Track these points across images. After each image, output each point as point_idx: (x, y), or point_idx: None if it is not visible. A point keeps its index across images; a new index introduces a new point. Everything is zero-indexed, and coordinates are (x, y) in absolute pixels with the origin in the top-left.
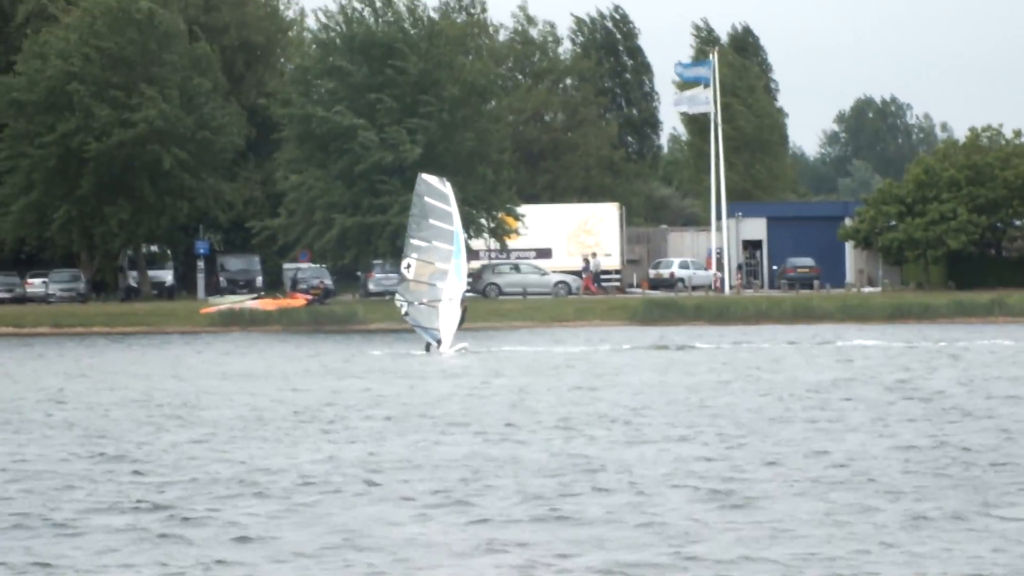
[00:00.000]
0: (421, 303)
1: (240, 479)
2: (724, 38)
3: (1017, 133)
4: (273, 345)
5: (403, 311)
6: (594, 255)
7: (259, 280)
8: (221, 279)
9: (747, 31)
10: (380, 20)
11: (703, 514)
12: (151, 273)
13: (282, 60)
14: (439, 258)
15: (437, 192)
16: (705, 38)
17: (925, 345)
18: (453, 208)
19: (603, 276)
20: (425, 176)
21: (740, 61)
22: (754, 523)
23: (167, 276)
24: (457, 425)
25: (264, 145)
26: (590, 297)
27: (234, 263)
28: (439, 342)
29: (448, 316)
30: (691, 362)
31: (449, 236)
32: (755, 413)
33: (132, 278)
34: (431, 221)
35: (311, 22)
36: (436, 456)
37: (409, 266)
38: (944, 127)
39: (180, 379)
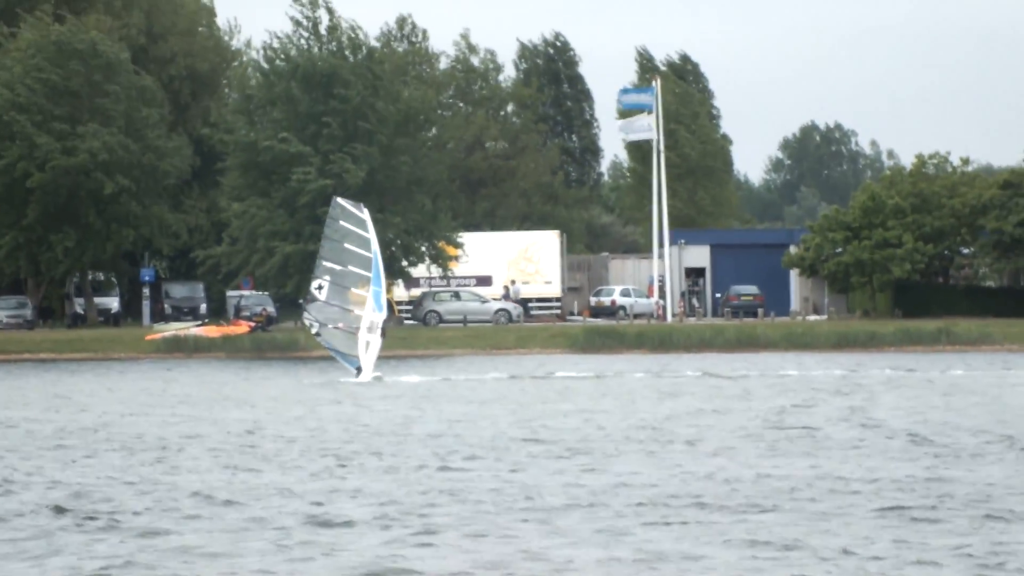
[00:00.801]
0: (337, 327)
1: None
2: (663, 67)
3: (965, 161)
4: (207, 372)
5: (314, 331)
6: (513, 282)
7: (203, 307)
8: (166, 306)
9: (686, 59)
10: (323, 48)
11: None
12: (97, 300)
13: (227, 90)
14: (354, 283)
15: (353, 217)
16: (645, 66)
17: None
18: (371, 234)
19: (539, 303)
20: (340, 200)
21: (683, 87)
22: None
23: (113, 303)
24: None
25: (208, 174)
26: (526, 325)
27: (179, 290)
28: (359, 370)
29: (367, 345)
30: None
31: (367, 262)
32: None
33: (78, 305)
34: (346, 245)
35: (255, 52)
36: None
37: (320, 287)
38: (891, 154)
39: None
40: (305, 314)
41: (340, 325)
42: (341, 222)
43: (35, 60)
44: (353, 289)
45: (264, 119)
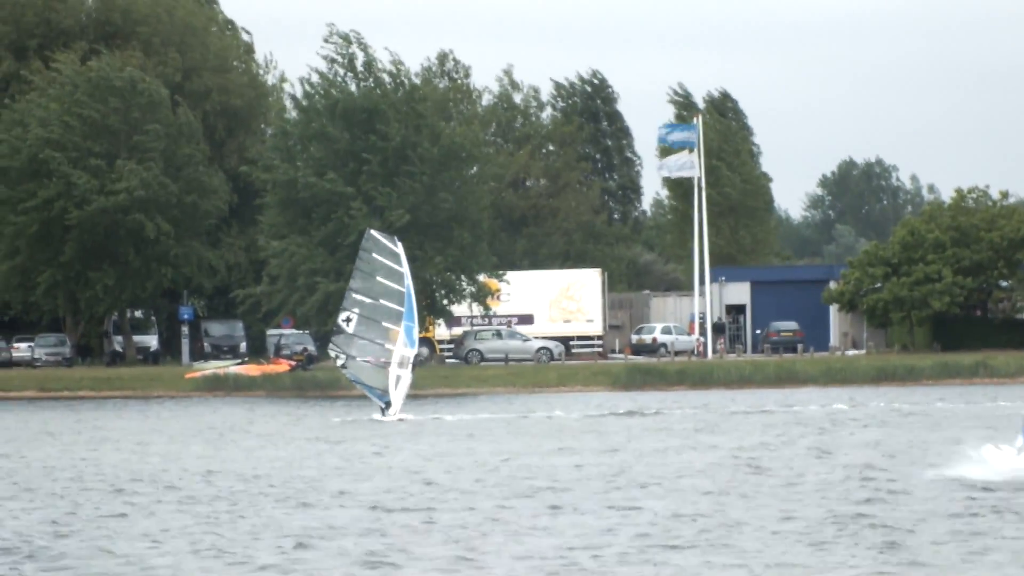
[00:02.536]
0: (366, 360)
1: None
2: (701, 103)
3: (1004, 195)
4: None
5: (340, 363)
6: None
7: (243, 345)
8: (205, 344)
9: (725, 95)
10: (362, 84)
11: None
12: (136, 338)
13: (263, 126)
14: (386, 317)
15: (387, 250)
16: (683, 103)
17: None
18: (404, 268)
19: (581, 341)
20: (375, 233)
21: (725, 124)
22: None
23: (152, 341)
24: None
25: (246, 211)
26: (567, 363)
27: (218, 328)
28: (388, 404)
29: (398, 381)
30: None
31: (399, 297)
32: None
33: (117, 343)
34: (378, 279)
35: (292, 87)
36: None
37: (349, 320)
38: (931, 188)
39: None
40: (331, 346)
41: (369, 359)
42: (374, 254)
43: (74, 96)
44: (384, 323)
45: (302, 156)
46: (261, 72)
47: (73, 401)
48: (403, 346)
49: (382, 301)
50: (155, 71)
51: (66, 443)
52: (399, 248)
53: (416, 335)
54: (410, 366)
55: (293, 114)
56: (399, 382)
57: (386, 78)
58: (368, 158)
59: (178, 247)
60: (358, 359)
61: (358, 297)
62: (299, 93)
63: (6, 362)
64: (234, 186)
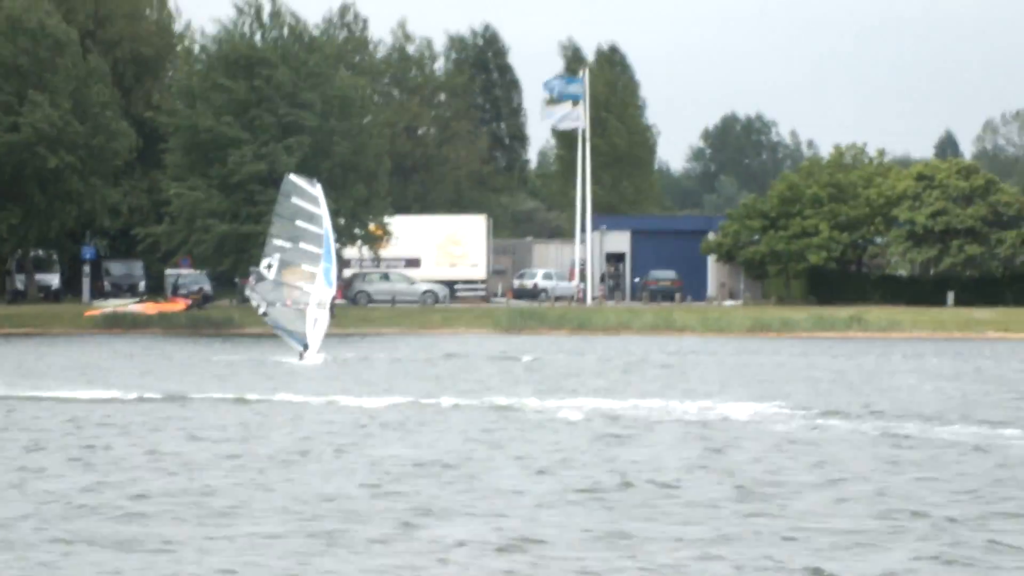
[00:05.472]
0: (285, 304)
1: None
2: (591, 56)
3: (880, 153)
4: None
5: (261, 311)
6: None
7: (142, 285)
8: (105, 283)
9: (614, 49)
10: (266, 36)
11: None
12: (38, 277)
13: (170, 73)
14: (306, 260)
15: (306, 194)
16: (572, 56)
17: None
18: (323, 211)
19: (465, 285)
20: (293, 177)
21: (614, 76)
22: None
23: (54, 280)
24: None
25: (151, 156)
26: (451, 306)
27: (118, 268)
28: (306, 347)
29: (316, 321)
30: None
31: (318, 239)
32: None
33: (19, 281)
34: (298, 223)
35: (198, 36)
36: None
37: (270, 266)
38: (810, 145)
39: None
40: (252, 293)
41: (288, 302)
42: (293, 199)
43: None
44: (303, 266)
45: (204, 103)
46: (171, 20)
47: None
48: (322, 288)
49: (301, 245)
50: (67, 17)
51: None
52: (317, 190)
53: (334, 276)
54: (328, 308)
55: (198, 64)
56: (316, 323)
57: (287, 30)
58: (258, 113)
59: (81, 184)
60: (278, 304)
61: (278, 243)
62: (201, 44)
63: None
64: (139, 131)
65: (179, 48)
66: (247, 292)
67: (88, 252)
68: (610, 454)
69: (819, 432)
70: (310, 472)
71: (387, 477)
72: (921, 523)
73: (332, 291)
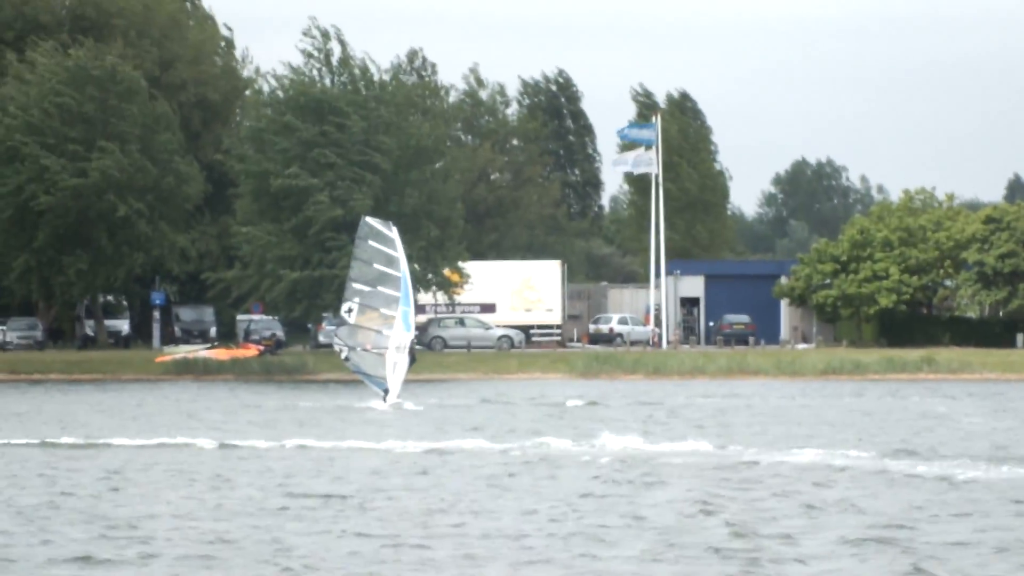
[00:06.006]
0: (365, 349)
1: None
2: (662, 102)
3: (950, 197)
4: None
5: (343, 355)
6: None
7: (213, 330)
8: (176, 329)
9: (685, 96)
10: (335, 81)
11: None
12: (108, 322)
13: (239, 118)
14: (383, 303)
15: (383, 236)
16: (644, 102)
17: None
18: (400, 253)
19: (540, 330)
20: (370, 219)
21: (686, 122)
22: None
23: (123, 325)
24: None
25: (220, 201)
26: (527, 351)
27: (188, 313)
28: (387, 392)
29: (396, 365)
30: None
31: (395, 282)
32: None
33: (89, 327)
34: (375, 266)
35: (266, 83)
36: None
37: (351, 310)
38: (880, 189)
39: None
40: (335, 339)
41: (368, 346)
42: (370, 242)
43: (51, 84)
44: (382, 309)
45: (274, 148)
46: (238, 65)
47: (44, 383)
48: (400, 331)
49: (379, 288)
50: (132, 63)
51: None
52: (394, 233)
53: (412, 319)
54: (407, 351)
55: (268, 110)
56: (396, 367)
57: (357, 74)
58: (326, 153)
59: (150, 229)
60: (359, 349)
61: (357, 286)
62: (271, 88)
63: None
64: (208, 176)
65: (247, 92)
66: (331, 338)
67: (158, 298)
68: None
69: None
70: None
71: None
72: None
73: (411, 335)
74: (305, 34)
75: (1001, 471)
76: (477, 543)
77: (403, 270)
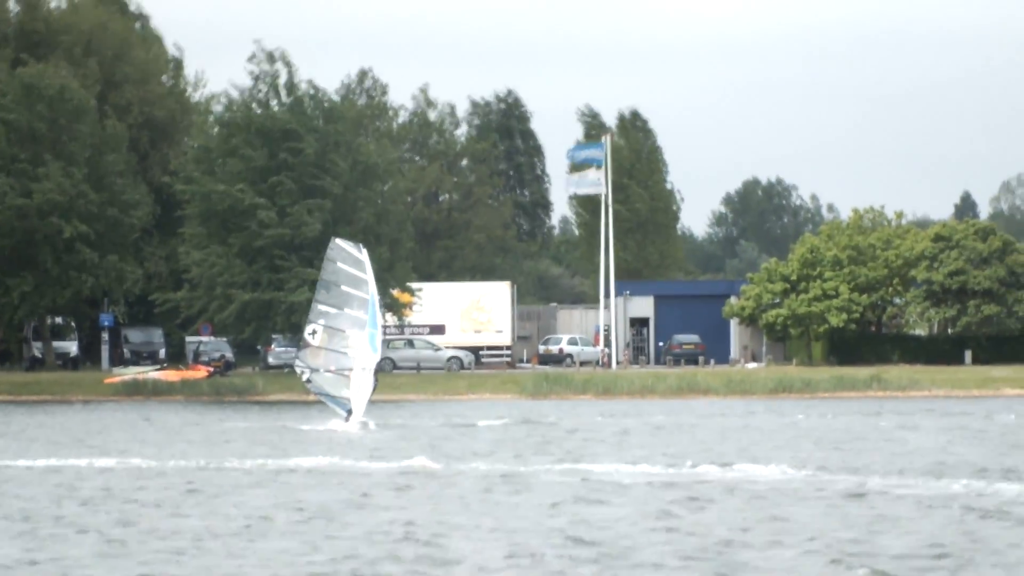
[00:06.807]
0: (328, 371)
1: None
2: (612, 122)
3: (899, 215)
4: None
5: (304, 378)
6: None
7: (162, 352)
8: (125, 350)
9: (635, 114)
10: (281, 104)
11: None
12: (56, 344)
13: (186, 139)
14: (350, 325)
15: (351, 258)
16: (590, 122)
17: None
18: (369, 276)
19: (490, 351)
20: (339, 241)
21: (637, 142)
22: None
23: (72, 347)
24: None
25: (168, 221)
26: (476, 372)
27: (137, 335)
28: (350, 412)
29: (360, 386)
30: None
31: (363, 304)
32: None
33: (37, 349)
34: (343, 288)
35: (216, 105)
36: None
37: (315, 332)
38: (830, 208)
39: None
40: (296, 361)
41: (332, 368)
42: (339, 263)
43: (1, 101)
44: (348, 331)
45: (223, 170)
46: (188, 87)
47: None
48: (367, 353)
49: (346, 310)
50: (80, 81)
51: None
52: (364, 255)
53: (379, 341)
54: (372, 373)
55: (215, 130)
56: (361, 388)
57: (306, 99)
58: (280, 179)
59: (95, 256)
60: (322, 371)
61: (323, 308)
62: (220, 110)
63: None
64: (157, 198)
65: (196, 115)
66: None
67: (106, 319)
68: None
69: None
70: None
71: None
72: None
73: (377, 357)
74: (249, 60)
75: (939, 484)
76: None
77: (371, 292)
